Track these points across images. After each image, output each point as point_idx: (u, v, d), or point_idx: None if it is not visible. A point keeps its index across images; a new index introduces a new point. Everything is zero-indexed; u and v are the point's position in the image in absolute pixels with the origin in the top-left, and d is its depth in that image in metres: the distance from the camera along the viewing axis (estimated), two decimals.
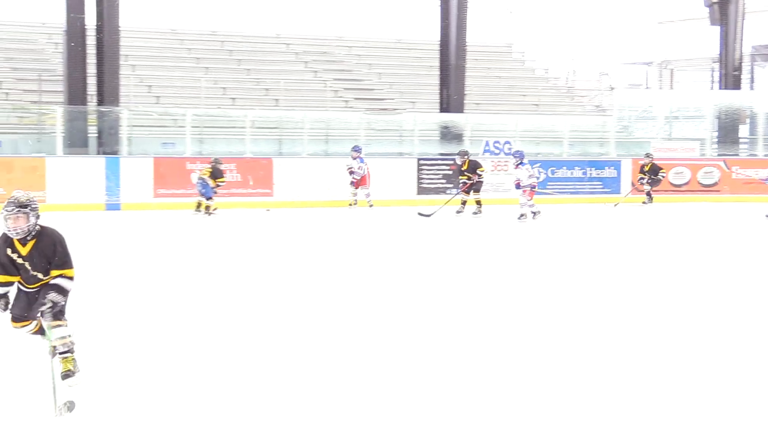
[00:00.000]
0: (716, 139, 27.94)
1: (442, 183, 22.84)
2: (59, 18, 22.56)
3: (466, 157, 20.55)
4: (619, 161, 24.71)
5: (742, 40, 29.39)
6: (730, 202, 23.68)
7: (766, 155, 26.41)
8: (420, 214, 19.74)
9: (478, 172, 20.34)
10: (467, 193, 20.54)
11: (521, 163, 19.46)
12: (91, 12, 21.81)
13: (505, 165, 23.72)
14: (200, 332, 8.54)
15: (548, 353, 7.85)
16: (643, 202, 23.21)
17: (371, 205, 21.12)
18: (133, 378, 6.90)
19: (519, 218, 19.15)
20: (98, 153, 21.68)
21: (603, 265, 13.40)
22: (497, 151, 24.35)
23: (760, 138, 26.98)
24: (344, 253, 14.65)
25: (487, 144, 24.50)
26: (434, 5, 25.46)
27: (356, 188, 21.37)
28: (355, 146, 21.70)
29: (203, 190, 19.54)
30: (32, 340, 6.72)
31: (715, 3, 29.13)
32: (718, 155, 26.67)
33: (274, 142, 24.18)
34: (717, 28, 29.56)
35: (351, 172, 21.28)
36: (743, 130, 29.34)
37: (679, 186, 24.66)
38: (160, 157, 21.82)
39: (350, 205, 21.27)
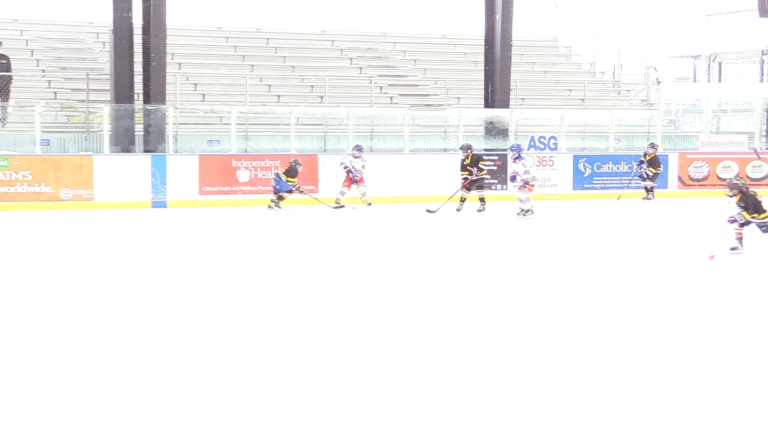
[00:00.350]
0: (765, 133, 27.60)
1: (487, 178, 22.71)
2: (106, 17, 22.78)
3: (469, 151, 20.31)
4: (666, 155, 24.47)
5: None
6: None
7: None
8: (427, 210, 19.54)
9: (480, 166, 19.95)
10: (468, 189, 20.11)
11: (519, 157, 19.00)
12: (138, 11, 21.99)
13: (551, 160, 23.63)
14: (223, 330, 8.60)
15: (549, 352, 7.83)
16: (644, 198, 22.89)
17: (369, 204, 20.97)
18: (151, 375, 6.98)
19: (519, 214, 18.75)
20: (144, 151, 21.86)
21: (606, 260, 13.30)
22: (542, 146, 24.24)
23: None
24: (348, 250, 14.68)
25: (532, 139, 24.40)
26: (480, 0, 25.38)
27: (348, 187, 21.05)
28: (357, 145, 21.50)
29: (277, 186, 20.29)
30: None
31: None
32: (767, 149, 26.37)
33: (319, 138, 24.26)
34: (766, 20, 29.19)
35: (348, 171, 21.03)
36: None
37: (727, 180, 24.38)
38: (205, 154, 21.95)
39: (338, 205, 20.80)
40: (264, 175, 21.30)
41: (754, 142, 26.36)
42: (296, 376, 6.97)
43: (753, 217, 13.33)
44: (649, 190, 22.84)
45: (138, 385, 6.68)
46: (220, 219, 18.63)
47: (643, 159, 22.72)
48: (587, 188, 23.48)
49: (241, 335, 8.36)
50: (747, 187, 13.65)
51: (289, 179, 20.32)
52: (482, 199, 20.05)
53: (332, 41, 31.10)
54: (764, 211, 13.35)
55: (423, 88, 29.41)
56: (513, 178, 19.31)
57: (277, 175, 20.47)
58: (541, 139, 24.41)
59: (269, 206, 20.30)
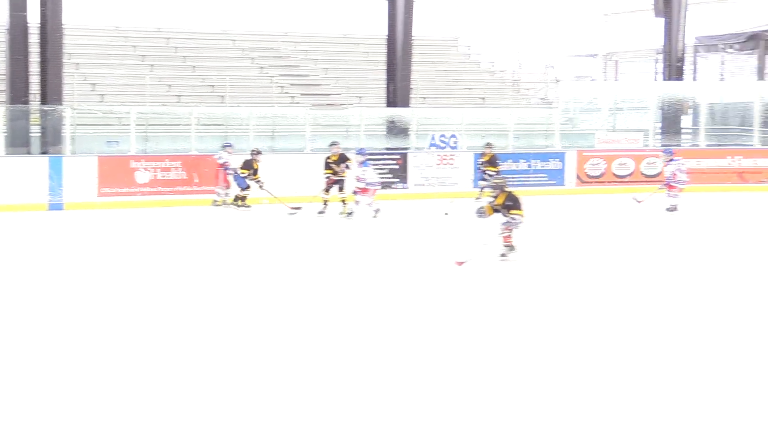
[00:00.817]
0: (660, 130, 28.22)
1: (388, 177, 22.80)
2: (1, 16, 22.32)
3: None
4: (564, 153, 24.89)
5: (684, 31, 29.72)
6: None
7: (708, 145, 26.72)
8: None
9: (348, 165, 19.18)
10: (327, 190, 19.42)
11: (364, 162, 18.53)
12: (34, 10, 21.61)
13: (452, 159, 23.84)
14: (121, 331, 8.56)
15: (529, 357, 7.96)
16: (477, 198, 21.74)
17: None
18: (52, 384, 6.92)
19: (362, 214, 18.24)
20: (41, 152, 21.49)
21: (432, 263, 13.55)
22: (443, 144, 24.46)
23: (702, 128, 27.30)
24: (218, 251, 14.69)
25: (432, 138, 24.62)
26: (381, 0, 25.48)
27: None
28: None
29: (237, 181, 20.47)
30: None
31: None
32: (662, 146, 26.93)
33: (220, 138, 24.11)
34: (661, 20, 29.83)
35: (223, 167, 20.76)
36: (686, 121, 29.68)
37: (623, 177, 24.89)
38: (104, 155, 21.66)
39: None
40: (164, 176, 21.12)
41: (649, 139, 26.92)
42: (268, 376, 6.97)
43: (510, 213, 12.96)
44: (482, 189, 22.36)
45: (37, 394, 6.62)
46: (119, 220, 18.41)
47: (481, 159, 22.26)
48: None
49: (141, 336, 8.32)
50: (507, 185, 13.38)
51: (242, 170, 20.33)
52: (344, 201, 19.18)
53: (233, 41, 30.95)
54: (520, 210, 13.02)
55: (324, 88, 29.44)
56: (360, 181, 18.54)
57: (235, 171, 20.51)
58: (442, 138, 24.63)
59: (237, 206, 20.32)
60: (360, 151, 19.13)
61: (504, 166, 24.11)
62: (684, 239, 15.69)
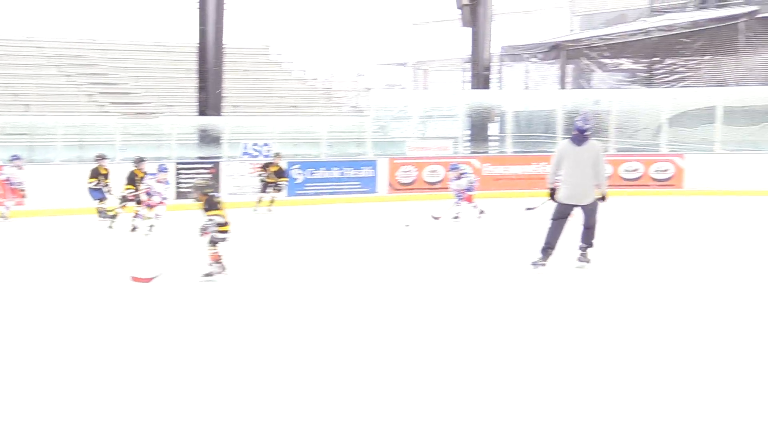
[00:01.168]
0: (468, 138, 28.94)
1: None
2: None
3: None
4: (376, 161, 25.25)
5: (491, 41, 30.64)
6: (483, 198, 24.17)
7: (514, 152, 27.54)
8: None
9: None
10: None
11: (153, 173, 17.69)
12: None
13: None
14: None
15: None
16: (254, 209, 21.60)
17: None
18: None
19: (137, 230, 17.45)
20: None
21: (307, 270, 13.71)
22: (256, 153, 24.46)
23: (509, 135, 28.15)
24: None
25: (245, 146, 24.60)
26: (192, 7, 25.26)
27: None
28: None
29: (94, 194, 18.99)
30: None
31: (465, 5, 30.21)
32: (470, 153, 27.66)
33: (25, 149, 23.40)
34: (468, 30, 30.66)
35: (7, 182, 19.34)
36: (493, 128, 30.58)
37: (434, 184, 25.38)
38: None
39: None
40: None
41: (458, 147, 27.59)
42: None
43: (208, 214, 11.87)
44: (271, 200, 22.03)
45: None
46: None
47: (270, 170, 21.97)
48: (300, 195, 23.86)
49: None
50: (209, 188, 12.64)
51: (89, 180, 18.99)
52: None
53: (39, 47, 30.15)
54: (217, 209, 11.92)
55: (135, 96, 29.02)
56: (149, 194, 17.57)
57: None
58: (255, 146, 24.63)
59: (106, 216, 18.64)
60: (161, 168, 17.92)
61: (317, 174, 24.37)
62: (493, 244, 16.11)
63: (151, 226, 17.40)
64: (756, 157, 26.10)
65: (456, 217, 19.34)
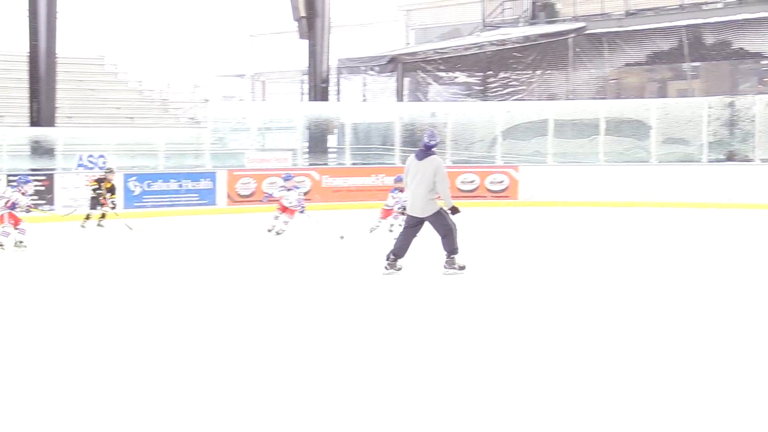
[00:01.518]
0: (307, 149, 29.04)
1: (34, 199, 21.97)
2: None
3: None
4: (215, 173, 25.09)
5: (328, 53, 30.84)
6: (322, 210, 24.20)
7: (353, 164, 27.78)
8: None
9: None
10: None
11: (13, 184, 17.41)
12: None
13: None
14: None
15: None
16: (82, 225, 20.78)
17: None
18: None
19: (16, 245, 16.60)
20: None
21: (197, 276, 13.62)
22: (91, 165, 23.97)
23: (348, 147, 28.37)
24: None
25: (80, 158, 24.07)
26: (22, 14, 24.60)
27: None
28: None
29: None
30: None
31: (303, 17, 30.34)
32: (309, 165, 27.76)
33: None
34: (305, 42, 30.80)
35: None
36: (332, 140, 30.78)
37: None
38: None
39: None
40: None
41: (297, 159, 27.65)
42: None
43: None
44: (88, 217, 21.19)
45: None
46: None
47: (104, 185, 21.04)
48: (138, 207, 23.50)
49: None
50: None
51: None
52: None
53: None
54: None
55: None
56: (13, 206, 16.64)
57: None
58: (90, 158, 24.13)
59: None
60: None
61: (155, 186, 24.05)
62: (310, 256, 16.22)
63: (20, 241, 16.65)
64: (585, 169, 27.01)
65: (276, 231, 19.10)
